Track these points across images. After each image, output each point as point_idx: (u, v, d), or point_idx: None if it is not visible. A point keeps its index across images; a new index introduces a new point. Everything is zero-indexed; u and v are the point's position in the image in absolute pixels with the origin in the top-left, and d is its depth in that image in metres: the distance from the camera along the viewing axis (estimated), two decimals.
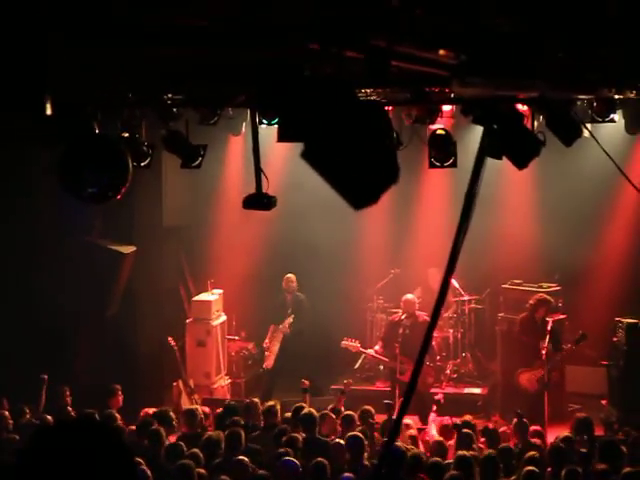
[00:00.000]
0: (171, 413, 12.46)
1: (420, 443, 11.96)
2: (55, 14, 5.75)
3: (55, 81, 9.15)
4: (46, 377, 13.17)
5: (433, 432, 12.45)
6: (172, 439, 11.55)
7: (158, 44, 7.09)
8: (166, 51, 7.58)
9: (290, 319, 16.22)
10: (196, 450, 10.72)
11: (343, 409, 12.80)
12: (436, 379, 15.50)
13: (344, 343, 15.53)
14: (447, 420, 12.52)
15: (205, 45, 6.89)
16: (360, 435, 10.88)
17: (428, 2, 5.02)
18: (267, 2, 5.37)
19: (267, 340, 16.56)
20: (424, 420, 13.71)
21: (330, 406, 12.99)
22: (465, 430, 11.51)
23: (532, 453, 10.57)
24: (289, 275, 16.66)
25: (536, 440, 11.70)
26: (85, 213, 14.36)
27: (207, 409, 13.47)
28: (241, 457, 10.47)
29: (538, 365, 14.22)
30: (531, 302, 15.02)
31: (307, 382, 13.75)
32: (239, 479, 9.90)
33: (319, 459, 10.10)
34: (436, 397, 13.79)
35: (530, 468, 9.92)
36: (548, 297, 15.14)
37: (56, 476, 2.60)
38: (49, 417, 11.99)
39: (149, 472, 9.66)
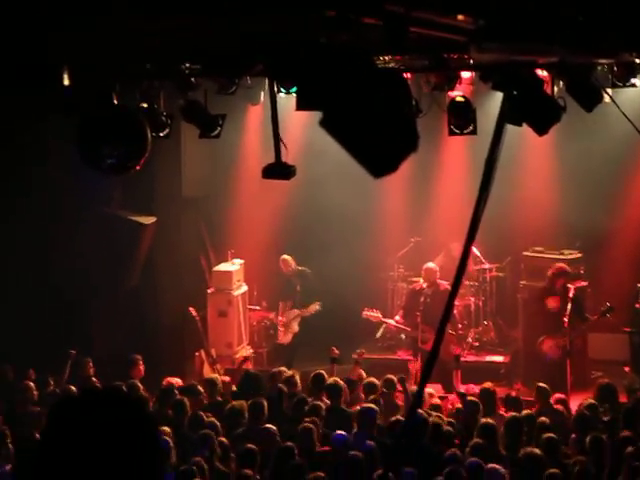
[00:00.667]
0: (199, 387, 12.49)
1: (444, 411, 11.97)
2: None
3: (73, 52, 9.16)
4: (74, 352, 13.24)
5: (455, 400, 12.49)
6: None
7: (175, 13, 7.06)
8: (183, 20, 7.55)
9: (316, 306, 16.17)
10: (214, 419, 10.79)
11: (362, 378, 12.81)
12: (458, 347, 15.49)
13: (365, 313, 15.53)
14: (471, 388, 12.53)
15: (222, 13, 6.86)
16: (372, 406, 10.92)
17: None
18: None
19: (280, 317, 16.54)
20: (447, 388, 13.73)
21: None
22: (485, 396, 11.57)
23: (543, 419, 10.60)
24: (284, 257, 16.60)
25: (559, 407, 11.70)
26: (104, 184, 14.36)
27: (228, 378, 13.52)
28: (268, 425, 10.54)
29: (560, 333, 14.19)
30: (549, 273, 14.97)
31: (337, 351, 13.76)
32: (265, 448, 9.92)
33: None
34: (455, 352, 13.84)
35: (549, 435, 9.92)
36: (566, 267, 15.07)
37: (77, 446, 2.60)
38: (73, 388, 12.07)
39: (171, 442, 9.72)
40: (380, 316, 15.53)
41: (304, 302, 16.27)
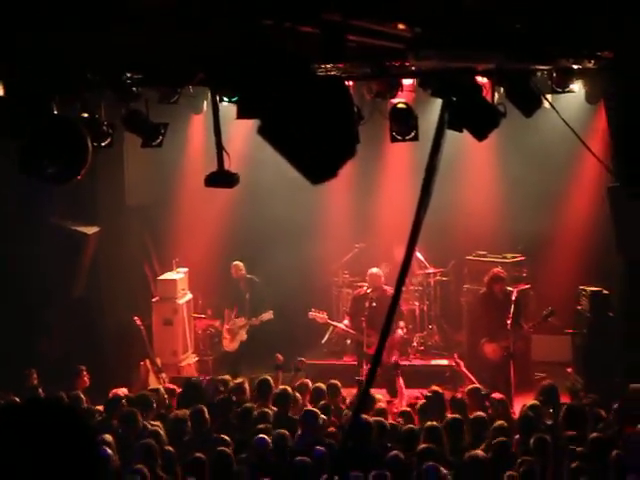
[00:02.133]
0: (150, 397, 12.43)
1: (390, 415, 12.02)
2: None
3: (11, 62, 9.09)
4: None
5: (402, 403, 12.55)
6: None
7: (114, 24, 7.04)
8: (123, 30, 7.53)
9: (269, 314, 16.14)
10: (157, 428, 10.76)
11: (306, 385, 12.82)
12: (402, 352, 15.57)
13: (311, 314, 15.54)
14: (416, 394, 12.60)
15: (161, 24, 6.86)
16: (315, 410, 10.94)
17: None
18: None
19: (226, 325, 16.50)
20: (392, 393, 13.80)
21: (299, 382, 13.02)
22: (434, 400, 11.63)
23: (500, 422, 10.66)
24: (236, 263, 16.56)
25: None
26: (47, 194, 14.25)
27: (174, 386, 13.47)
28: (219, 434, 10.53)
29: (502, 336, 14.33)
30: (486, 279, 15.13)
31: (281, 358, 13.77)
32: (212, 455, 9.90)
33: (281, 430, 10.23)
34: (395, 361, 13.92)
35: (502, 439, 10.00)
36: (500, 272, 15.20)
37: (10, 455, 2.60)
38: (16, 399, 11.95)
39: (113, 452, 9.68)
40: (326, 317, 15.56)
41: (253, 310, 16.26)
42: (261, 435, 10.19)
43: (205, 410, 11.18)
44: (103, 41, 8.34)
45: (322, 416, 10.97)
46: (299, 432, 10.61)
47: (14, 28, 6.95)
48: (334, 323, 15.76)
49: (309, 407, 11.46)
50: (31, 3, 6.04)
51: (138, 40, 8.32)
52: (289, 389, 11.99)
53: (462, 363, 14.26)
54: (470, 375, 13.52)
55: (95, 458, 2.75)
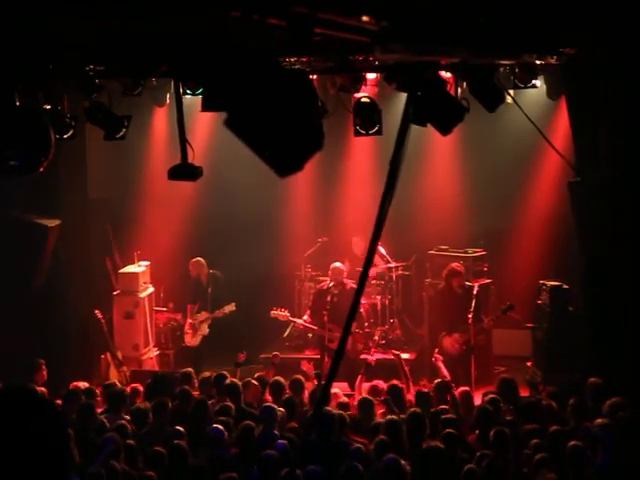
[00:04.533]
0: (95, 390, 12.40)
1: (351, 409, 12.03)
2: None
3: None
4: None
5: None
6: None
7: (78, 13, 7.01)
8: (87, 20, 7.50)
9: (232, 307, 16.14)
10: (122, 422, 10.73)
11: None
12: (365, 345, 15.60)
13: (273, 312, 15.54)
14: (377, 383, 12.58)
15: (124, 14, 6.84)
16: (273, 405, 10.93)
17: None
18: None
19: (189, 319, 16.46)
20: (353, 386, 13.82)
21: (257, 374, 13.01)
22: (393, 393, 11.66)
23: (449, 415, 10.71)
24: (197, 259, 16.55)
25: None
26: (8, 186, 14.14)
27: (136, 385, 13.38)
28: (177, 427, 10.51)
29: (462, 329, 14.41)
30: (444, 273, 15.22)
31: (243, 356, 13.75)
32: (170, 449, 9.87)
33: (247, 422, 10.21)
34: (368, 360, 13.92)
35: (449, 430, 10.04)
36: (458, 266, 15.28)
37: None
38: None
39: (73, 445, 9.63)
40: (288, 315, 15.56)
41: (216, 304, 16.24)
42: (216, 425, 10.19)
43: (168, 403, 11.17)
44: (66, 31, 8.30)
45: (281, 409, 10.99)
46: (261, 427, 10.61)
47: None
48: (295, 320, 15.75)
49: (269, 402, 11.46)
50: None
51: (101, 30, 8.29)
52: (237, 381, 11.97)
53: (440, 358, 14.27)
54: (445, 370, 13.57)
55: (67, 448, 2.75)
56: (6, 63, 9.88)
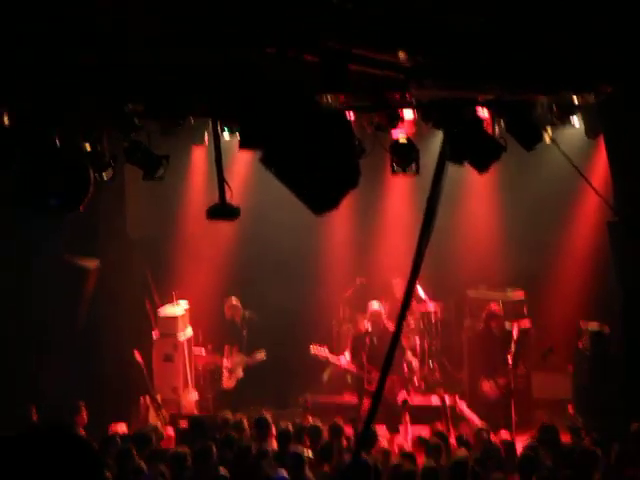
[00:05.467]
0: (150, 433, 12.29)
1: (391, 453, 11.89)
2: (14, 21, 5.70)
3: (14, 93, 9.11)
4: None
5: (404, 442, 12.43)
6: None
7: (116, 56, 7.05)
8: (125, 62, 7.55)
9: (262, 355, 16.11)
10: (162, 467, 10.63)
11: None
12: (404, 388, 15.49)
13: (313, 348, 15.47)
14: (420, 433, 12.47)
15: (163, 54, 6.87)
16: (299, 451, 10.77)
17: (381, 3, 5.03)
18: (223, 6, 5.36)
19: (226, 360, 16.43)
20: (392, 429, 13.70)
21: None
22: (435, 441, 11.49)
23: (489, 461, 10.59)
24: (232, 300, 16.58)
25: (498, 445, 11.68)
26: (48, 227, 14.21)
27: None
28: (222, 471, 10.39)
29: (501, 373, 14.27)
30: (483, 316, 15.14)
31: (309, 400, 13.72)
32: None
33: None
34: (405, 398, 13.81)
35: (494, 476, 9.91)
36: (496, 308, 15.22)
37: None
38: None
39: None
40: (327, 352, 15.48)
41: (251, 347, 16.20)
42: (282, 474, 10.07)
43: (213, 448, 11.03)
44: (105, 72, 8.36)
45: (309, 454, 10.81)
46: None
47: (21, 59, 6.96)
48: (335, 358, 15.68)
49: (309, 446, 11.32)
50: (37, 36, 6.04)
51: (140, 71, 8.33)
52: (290, 427, 11.88)
53: (463, 403, 14.12)
54: (471, 415, 13.41)
55: None
56: (47, 103, 9.96)
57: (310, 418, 13.03)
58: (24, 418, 12.97)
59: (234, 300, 16.51)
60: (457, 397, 13.94)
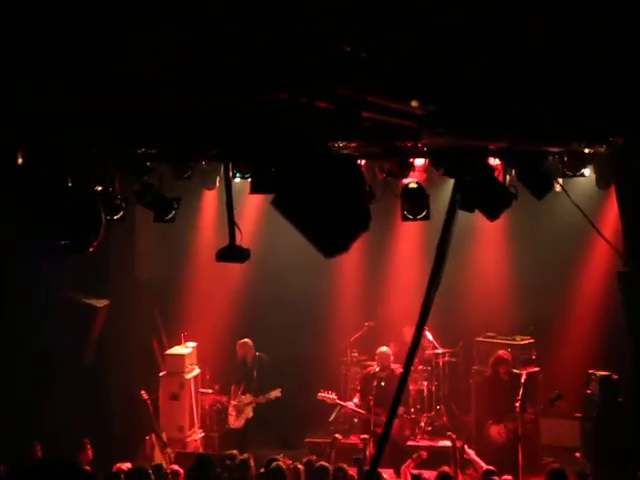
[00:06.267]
0: (149, 470, 12.28)
1: None
2: (25, 63, 5.76)
3: (28, 132, 9.18)
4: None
5: None
6: None
7: (130, 100, 7.11)
8: (139, 106, 7.61)
9: (277, 392, 16.09)
10: None
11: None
12: (412, 432, 15.46)
13: (320, 395, 15.49)
14: (423, 474, 12.40)
15: (175, 99, 6.92)
16: None
17: (395, 52, 5.08)
18: (235, 52, 5.41)
19: (232, 401, 16.43)
20: (399, 473, 13.64)
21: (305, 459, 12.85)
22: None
23: None
24: (244, 340, 16.59)
25: None
26: (57, 266, 14.27)
27: (176, 467, 13.29)
28: None
29: (508, 418, 14.22)
30: (490, 361, 15.15)
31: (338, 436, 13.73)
32: None
33: None
34: (421, 453, 13.70)
35: None
36: (505, 354, 15.23)
37: None
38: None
39: None
40: (335, 398, 15.49)
41: (260, 388, 16.19)
42: None
43: None
44: (118, 115, 8.43)
45: None
46: None
47: (34, 101, 7.03)
48: (343, 403, 15.68)
49: None
50: (48, 75, 6.10)
51: (152, 115, 8.40)
52: (282, 465, 11.84)
53: (469, 450, 14.03)
54: (478, 460, 13.33)
55: None
56: (59, 144, 10.04)
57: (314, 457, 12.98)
58: (28, 455, 12.97)
59: (247, 340, 16.54)
60: (465, 444, 13.85)
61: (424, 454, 13.39)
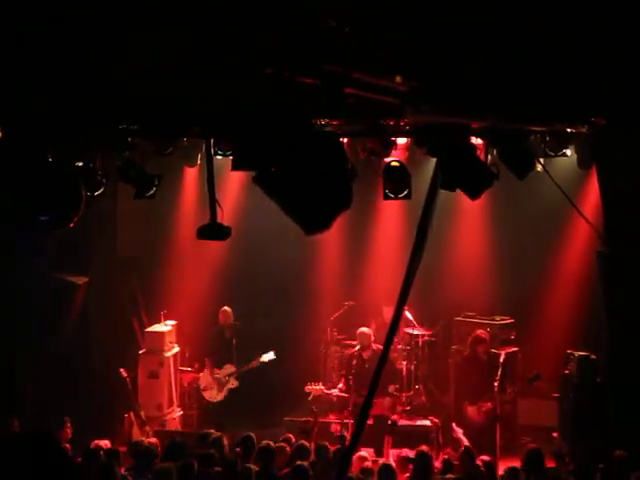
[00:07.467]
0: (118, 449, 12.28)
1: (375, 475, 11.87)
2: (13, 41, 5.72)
3: (10, 109, 9.13)
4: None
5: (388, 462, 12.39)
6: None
7: (112, 76, 7.08)
8: (121, 82, 7.57)
9: (269, 355, 16.09)
10: None
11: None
12: (392, 409, 15.50)
13: (308, 388, 15.55)
14: (404, 452, 12.43)
15: (158, 75, 6.89)
16: (305, 465, 10.78)
17: (381, 28, 5.06)
18: (222, 30, 5.38)
19: (208, 374, 16.46)
20: (380, 453, 13.67)
21: (283, 436, 12.86)
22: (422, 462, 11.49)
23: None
24: (225, 308, 16.64)
25: (483, 469, 11.68)
26: (38, 243, 14.21)
27: (155, 440, 13.29)
28: None
29: (486, 398, 14.27)
30: (469, 340, 15.20)
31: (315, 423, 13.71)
32: None
33: None
34: (393, 419, 13.77)
35: None
36: (483, 333, 15.28)
37: None
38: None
39: None
40: (323, 389, 15.54)
41: (241, 355, 16.22)
42: None
43: (194, 464, 11.00)
44: (101, 91, 8.38)
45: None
46: None
47: (15, 76, 6.98)
48: (329, 392, 15.69)
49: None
50: (31, 53, 6.06)
51: (135, 91, 8.36)
52: (272, 444, 11.84)
53: (457, 428, 14.08)
54: (463, 439, 13.38)
55: None
56: (39, 119, 9.97)
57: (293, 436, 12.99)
58: (5, 430, 12.92)
59: (227, 308, 16.56)
60: (453, 422, 13.94)
61: (397, 420, 13.47)
